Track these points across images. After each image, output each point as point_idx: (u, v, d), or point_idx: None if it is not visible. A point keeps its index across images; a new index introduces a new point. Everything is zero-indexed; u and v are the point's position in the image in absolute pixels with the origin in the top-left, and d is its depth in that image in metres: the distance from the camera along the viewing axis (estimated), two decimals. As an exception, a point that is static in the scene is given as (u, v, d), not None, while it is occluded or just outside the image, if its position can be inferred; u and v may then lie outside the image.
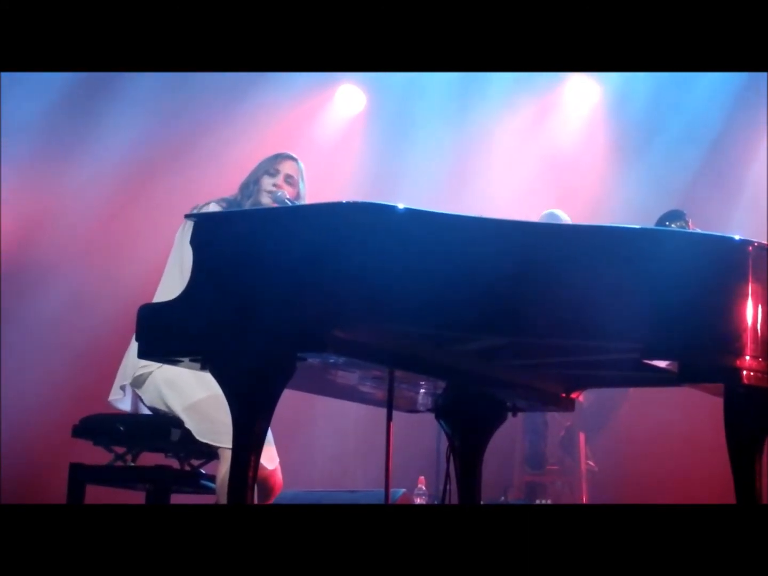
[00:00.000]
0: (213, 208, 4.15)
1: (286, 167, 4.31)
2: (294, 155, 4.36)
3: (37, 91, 7.10)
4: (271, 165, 4.30)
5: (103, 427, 4.10)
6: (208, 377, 3.26)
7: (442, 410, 3.97)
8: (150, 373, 4.05)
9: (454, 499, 3.96)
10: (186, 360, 3.24)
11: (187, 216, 3.41)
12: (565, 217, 6.30)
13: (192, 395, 3.99)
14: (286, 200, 4.19)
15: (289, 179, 4.30)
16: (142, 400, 4.15)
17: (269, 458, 4.03)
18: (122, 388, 4.15)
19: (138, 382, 4.10)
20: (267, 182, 4.27)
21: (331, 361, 3.20)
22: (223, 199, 4.25)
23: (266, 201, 4.24)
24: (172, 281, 3.98)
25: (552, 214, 6.31)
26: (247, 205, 4.21)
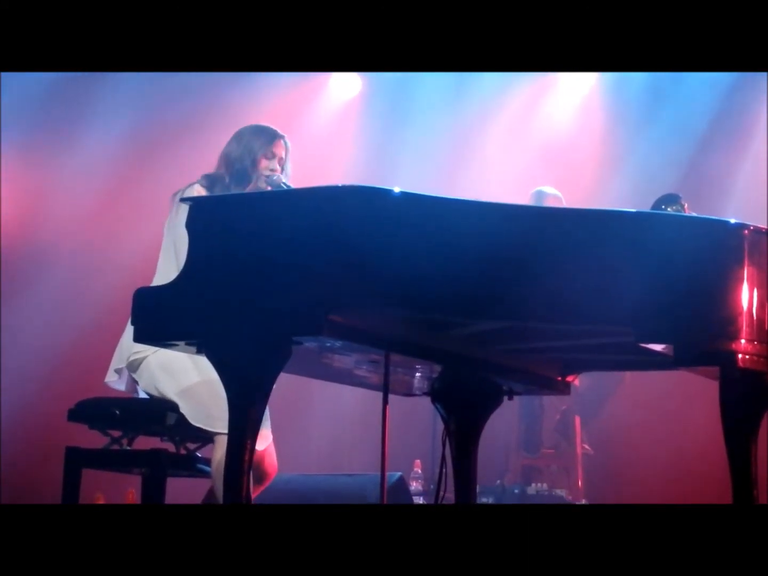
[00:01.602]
0: (198, 189, 4.12)
1: (280, 149, 4.29)
2: (281, 132, 4.33)
3: (33, 76, 7.07)
4: (267, 148, 4.26)
5: (98, 411, 4.09)
6: (203, 361, 3.26)
7: (437, 394, 3.97)
8: (144, 358, 4.04)
9: (450, 483, 3.96)
10: (182, 344, 3.24)
11: (183, 200, 3.41)
12: (553, 192, 6.27)
13: (186, 380, 3.98)
14: (282, 184, 4.18)
15: (281, 160, 4.29)
16: (138, 383, 4.15)
17: (261, 437, 4.01)
18: (117, 371, 4.15)
19: (132, 366, 4.08)
20: (266, 166, 4.24)
21: (328, 344, 3.20)
22: (206, 176, 4.21)
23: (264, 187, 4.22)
24: (168, 265, 3.98)
25: (539, 192, 6.28)
26: (248, 191, 4.19)
